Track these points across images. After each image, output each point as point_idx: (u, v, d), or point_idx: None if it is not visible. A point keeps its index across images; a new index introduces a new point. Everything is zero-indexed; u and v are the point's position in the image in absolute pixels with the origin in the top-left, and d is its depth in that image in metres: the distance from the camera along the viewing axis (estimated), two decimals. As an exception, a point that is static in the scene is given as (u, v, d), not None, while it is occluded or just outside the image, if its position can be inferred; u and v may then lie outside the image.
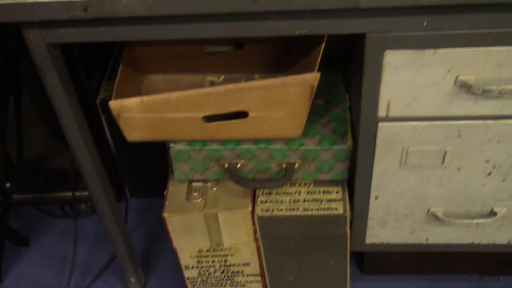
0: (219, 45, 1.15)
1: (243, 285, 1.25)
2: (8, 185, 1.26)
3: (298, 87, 0.94)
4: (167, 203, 1.10)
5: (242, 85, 0.95)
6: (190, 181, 1.13)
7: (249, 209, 1.07)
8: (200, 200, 1.09)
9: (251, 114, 0.99)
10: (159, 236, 1.53)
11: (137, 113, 0.98)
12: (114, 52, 1.41)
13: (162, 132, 1.02)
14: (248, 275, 1.22)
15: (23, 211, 1.60)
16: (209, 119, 1.00)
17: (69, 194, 1.52)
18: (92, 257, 1.49)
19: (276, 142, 1.05)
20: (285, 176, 1.06)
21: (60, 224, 1.59)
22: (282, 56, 1.17)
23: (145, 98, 0.97)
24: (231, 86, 0.95)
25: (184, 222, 1.09)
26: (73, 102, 0.98)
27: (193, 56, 1.17)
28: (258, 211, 1.08)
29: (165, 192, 1.12)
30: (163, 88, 1.17)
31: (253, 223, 1.09)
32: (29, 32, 0.86)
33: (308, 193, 1.10)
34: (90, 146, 1.06)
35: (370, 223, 1.09)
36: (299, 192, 1.10)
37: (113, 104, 0.97)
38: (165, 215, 1.08)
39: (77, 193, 1.51)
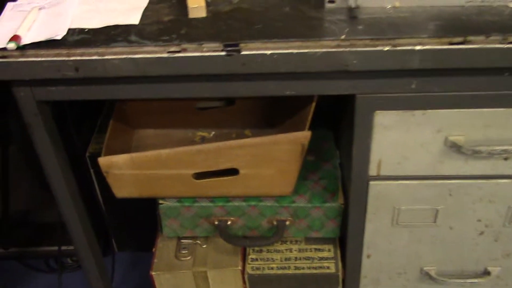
0: (210, 100, 1.16)
1: None
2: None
3: (289, 145, 0.93)
4: (155, 260, 1.07)
5: (233, 143, 0.95)
6: (179, 238, 1.11)
7: (240, 268, 1.05)
8: (189, 258, 1.07)
9: (241, 172, 0.98)
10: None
11: (126, 169, 0.97)
12: (105, 105, 1.41)
13: (151, 188, 1.01)
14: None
15: (6, 265, 1.56)
16: (199, 176, 1.00)
17: (55, 248, 1.49)
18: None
19: (267, 199, 1.04)
20: (276, 234, 1.04)
21: (45, 279, 1.55)
22: (272, 112, 1.17)
23: (134, 155, 0.96)
24: (221, 144, 0.95)
25: (173, 281, 1.06)
26: (61, 158, 0.97)
27: (184, 111, 1.18)
28: (248, 270, 1.05)
29: (153, 249, 1.10)
30: (153, 143, 1.17)
31: (244, 282, 1.07)
32: (19, 90, 0.86)
33: (299, 250, 1.09)
34: (76, 201, 1.04)
35: (363, 281, 1.07)
36: (291, 250, 1.09)
37: (102, 160, 0.96)
38: (153, 273, 1.05)
39: (63, 247, 1.47)
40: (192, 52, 0.77)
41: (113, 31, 0.81)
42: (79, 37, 0.81)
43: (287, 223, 1.05)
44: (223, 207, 1.04)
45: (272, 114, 1.17)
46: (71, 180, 1.02)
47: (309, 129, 0.92)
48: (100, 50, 0.78)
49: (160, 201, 1.04)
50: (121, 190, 1.00)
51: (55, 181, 0.98)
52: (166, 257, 1.07)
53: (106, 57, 0.78)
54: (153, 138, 1.19)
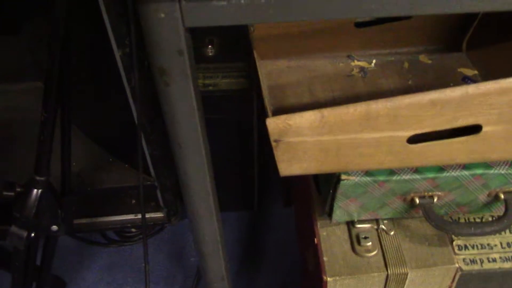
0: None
1: None
2: (55, 228, 0.86)
3: None
4: (325, 258, 0.73)
5: (488, 86, 0.58)
6: (352, 222, 0.76)
7: (456, 265, 0.71)
8: (375, 252, 0.73)
9: (485, 129, 0.62)
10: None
11: (310, 135, 0.60)
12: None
13: (338, 160, 0.64)
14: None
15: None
16: (415, 138, 0.63)
17: (114, 218, 1.13)
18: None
19: (499, 164, 0.69)
20: (507, 213, 0.70)
21: (103, 255, 1.20)
22: (460, 27, 0.80)
23: (326, 112, 0.58)
24: (471, 89, 0.58)
25: (354, 286, 0.73)
26: (203, 121, 0.59)
27: (331, 31, 0.79)
28: (461, 264, 0.72)
29: (315, 241, 0.75)
30: (289, 82, 0.79)
31: (452, 281, 0.74)
32: (160, 8, 0.46)
33: (524, 231, 0.75)
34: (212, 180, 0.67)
35: None
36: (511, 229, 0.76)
37: (274, 123, 0.58)
38: (329, 279, 0.71)
39: (124, 217, 1.12)
40: None
41: None
42: None
43: (519, 195, 0.71)
44: (433, 180, 0.68)
45: (459, 30, 0.80)
46: (208, 153, 0.64)
47: None
48: None
49: (342, 177, 0.67)
50: (292, 166, 0.64)
51: (191, 160, 0.61)
52: (340, 253, 0.73)
53: None
54: (288, 73, 0.80)
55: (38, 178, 0.80)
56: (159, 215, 1.11)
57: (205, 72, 0.98)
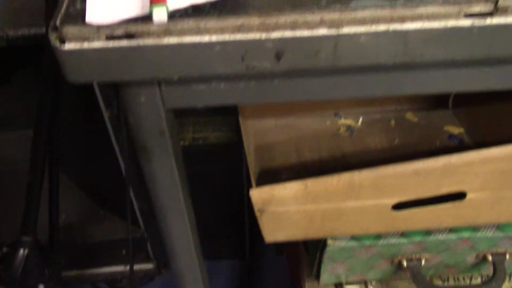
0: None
1: None
2: (41, 286, 0.85)
3: None
4: (312, 322, 0.72)
5: (471, 156, 0.58)
6: (340, 284, 0.76)
7: (446, 329, 0.71)
8: (363, 316, 0.72)
9: (470, 195, 0.62)
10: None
11: (294, 205, 0.60)
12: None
13: (323, 227, 0.64)
14: None
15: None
16: (400, 205, 0.63)
17: (104, 270, 1.12)
18: None
19: (485, 228, 0.69)
20: (495, 276, 0.70)
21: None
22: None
23: (309, 182, 0.58)
24: (453, 159, 0.58)
25: None
26: (186, 191, 0.59)
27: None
28: (451, 327, 0.71)
29: (303, 303, 0.74)
30: (278, 141, 0.79)
31: None
32: (138, 92, 0.46)
33: (514, 291, 0.75)
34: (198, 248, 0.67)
35: None
36: (501, 291, 0.75)
37: (257, 194, 0.58)
38: None
39: (114, 268, 1.11)
40: (520, 15, 0.38)
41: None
42: (270, -9, 0.41)
43: (507, 257, 0.71)
44: (421, 243, 0.68)
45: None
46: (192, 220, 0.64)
47: None
48: (329, 13, 0.39)
49: (329, 242, 0.67)
50: (277, 233, 0.63)
51: (176, 231, 0.60)
52: (328, 316, 0.72)
53: (342, 30, 0.38)
54: (275, 132, 0.81)
55: (24, 238, 0.80)
56: (149, 266, 1.10)
57: (195, 126, 0.98)
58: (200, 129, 0.98)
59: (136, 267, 1.09)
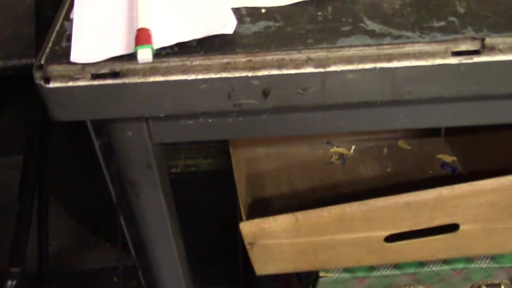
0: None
1: None
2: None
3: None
4: None
5: (463, 188, 0.58)
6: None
7: None
8: None
9: (463, 227, 0.61)
10: None
11: (285, 237, 0.59)
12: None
13: (315, 260, 0.63)
14: None
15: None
16: (392, 237, 0.62)
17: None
18: None
19: (479, 259, 0.68)
20: (490, 307, 0.69)
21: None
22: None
23: (300, 215, 0.58)
24: (445, 191, 0.58)
25: None
26: (175, 223, 0.58)
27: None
28: None
29: (295, 335, 0.73)
30: (270, 170, 0.78)
31: None
32: (125, 127, 0.45)
33: (508, 322, 0.74)
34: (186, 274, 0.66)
35: None
36: (496, 322, 0.73)
37: (247, 227, 0.57)
38: None
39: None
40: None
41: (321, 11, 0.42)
42: (257, 29, 0.41)
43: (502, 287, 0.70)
44: (414, 275, 0.67)
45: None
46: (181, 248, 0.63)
47: None
48: (316, 52, 0.38)
49: (321, 274, 0.66)
50: (269, 266, 0.62)
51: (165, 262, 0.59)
52: None
53: (329, 68, 0.38)
54: (267, 161, 0.80)
55: (13, 270, 0.79)
56: (141, 294, 1.09)
57: (187, 152, 0.98)
58: (192, 155, 0.97)
59: (128, 295, 1.07)
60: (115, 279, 1.09)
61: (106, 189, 0.90)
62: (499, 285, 0.70)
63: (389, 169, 0.79)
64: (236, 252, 1.13)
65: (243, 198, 0.64)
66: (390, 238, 0.63)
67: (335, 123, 0.46)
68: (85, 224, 1.05)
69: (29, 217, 0.75)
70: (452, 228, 0.62)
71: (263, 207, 0.73)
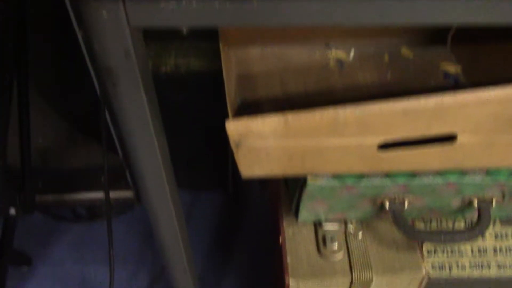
0: None
1: None
2: (12, 211, 0.83)
3: None
4: (289, 259, 0.70)
5: (465, 96, 0.54)
6: (319, 222, 0.73)
7: (423, 273, 0.69)
8: (341, 255, 0.70)
9: (461, 138, 0.58)
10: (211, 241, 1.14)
11: (273, 139, 0.56)
12: None
13: (303, 165, 0.60)
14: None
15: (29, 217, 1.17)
16: (386, 145, 0.59)
17: (82, 196, 1.10)
18: (125, 278, 1.10)
19: (473, 172, 0.66)
20: (480, 221, 0.68)
21: (72, 232, 1.17)
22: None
23: (290, 117, 0.54)
24: (446, 99, 0.54)
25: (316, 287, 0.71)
26: (156, 120, 0.55)
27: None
28: (429, 270, 0.70)
29: (280, 240, 0.72)
30: (262, 71, 0.74)
31: (419, 286, 0.72)
32: (102, 7, 0.41)
33: (496, 237, 0.73)
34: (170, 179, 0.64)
35: None
36: (483, 236, 0.73)
37: (234, 126, 0.54)
38: (291, 281, 0.69)
39: (92, 195, 1.09)
40: None
41: None
42: None
43: (493, 204, 0.68)
44: (405, 185, 0.65)
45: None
46: (164, 147, 0.60)
47: None
48: None
49: (309, 180, 0.64)
50: (253, 168, 0.60)
51: (143, 154, 0.57)
52: (304, 254, 0.71)
53: None
54: (260, 62, 0.75)
55: (-8, 162, 0.76)
56: (128, 194, 1.08)
57: (178, 50, 0.93)
58: (183, 54, 0.92)
59: (115, 194, 1.06)
60: (102, 178, 1.08)
61: (92, 84, 0.86)
62: (490, 200, 0.68)
63: (388, 77, 0.74)
64: (226, 156, 1.11)
65: (231, 97, 0.61)
66: (384, 147, 0.60)
67: (331, 14, 0.41)
68: (71, 121, 1.02)
69: (8, 108, 0.71)
70: (448, 140, 0.59)
71: (253, 109, 0.70)
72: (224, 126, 0.99)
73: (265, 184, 1.23)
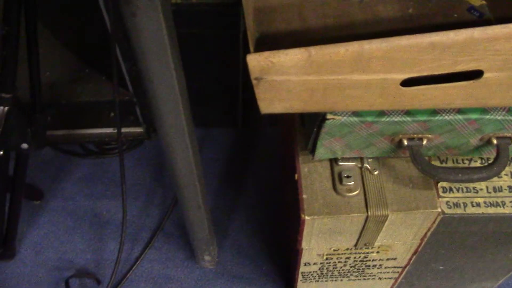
0: None
1: (374, 276, 0.92)
2: (25, 146, 0.82)
3: None
4: (305, 196, 0.70)
5: (496, 31, 0.52)
6: (335, 160, 0.73)
7: (439, 209, 0.70)
8: (357, 192, 0.70)
9: (487, 75, 0.57)
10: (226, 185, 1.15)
11: (294, 74, 0.55)
12: None
13: (324, 101, 0.59)
14: (386, 267, 0.88)
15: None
16: (408, 82, 0.58)
17: (92, 131, 1.09)
18: (135, 214, 1.11)
19: (495, 110, 0.64)
20: (498, 159, 0.67)
21: (83, 167, 1.17)
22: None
23: (313, 50, 0.53)
24: (476, 34, 0.52)
25: (332, 225, 0.71)
26: (176, 58, 0.53)
27: None
28: (444, 208, 0.70)
29: (295, 177, 0.72)
30: (280, 4, 0.71)
31: (433, 223, 0.73)
32: None
33: (512, 175, 0.73)
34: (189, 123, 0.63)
35: None
36: (499, 175, 0.73)
37: (255, 60, 0.53)
38: (306, 217, 0.69)
39: (102, 130, 1.09)
40: None
41: None
42: None
43: (513, 141, 0.68)
44: (425, 123, 0.64)
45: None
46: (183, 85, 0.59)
47: None
48: None
49: (328, 116, 0.63)
50: (275, 104, 0.59)
51: (164, 93, 0.56)
52: (320, 191, 0.71)
53: None
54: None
55: (4, 95, 0.75)
56: (138, 130, 1.07)
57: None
58: (195, -15, 0.89)
59: (125, 130, 1.05)
60: (112, 114, 1.07)
61: (102, 17, 0.83)
62: (510, 138, 0.68)
63: (410, 10, 0.72)
64: (236, 92, 1.10)
65: (251, 30, 0.58)
66: (407, 83, 0.58)
67: None
68: (80, 55, 1.00)
69: (17, 40, 0.69)
70: (472, 77, 0.57)
71: (271, 44, 0.68)
72: (236, 63, 0.97)
73: (275, 121, 1.22)
